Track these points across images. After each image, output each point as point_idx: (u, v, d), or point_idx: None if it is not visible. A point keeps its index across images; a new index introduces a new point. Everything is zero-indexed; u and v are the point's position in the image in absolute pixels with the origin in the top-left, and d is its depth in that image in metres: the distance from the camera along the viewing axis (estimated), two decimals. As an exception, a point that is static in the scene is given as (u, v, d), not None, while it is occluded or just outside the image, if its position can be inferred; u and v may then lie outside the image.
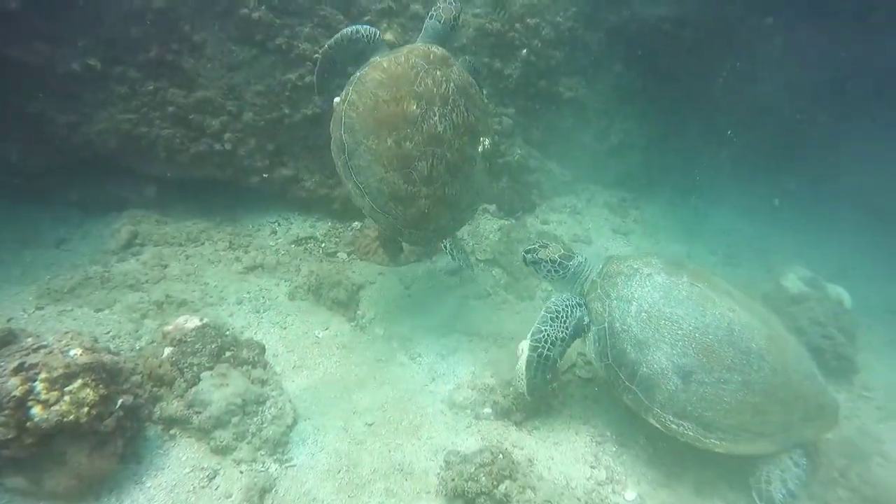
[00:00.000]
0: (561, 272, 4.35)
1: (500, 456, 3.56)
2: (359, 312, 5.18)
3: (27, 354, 3.09)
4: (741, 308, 3.85)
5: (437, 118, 4.01)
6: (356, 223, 6.26)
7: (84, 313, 4.64)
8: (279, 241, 5.92)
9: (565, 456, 4.02)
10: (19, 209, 5.66)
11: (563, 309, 4.07)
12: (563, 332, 3.99)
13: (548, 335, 3.97)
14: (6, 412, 2.87)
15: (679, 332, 3.75)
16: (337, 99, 4.31)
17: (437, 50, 4.24)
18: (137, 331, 4.56)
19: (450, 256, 4.64)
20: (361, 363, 4.60)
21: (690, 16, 7.25)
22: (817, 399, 3.90)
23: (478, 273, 5.85)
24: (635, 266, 4.09)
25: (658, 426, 3.73)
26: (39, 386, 2.96)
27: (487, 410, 4.25)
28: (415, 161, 4.02)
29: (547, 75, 7.08)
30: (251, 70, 5.62)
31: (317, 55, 5.67)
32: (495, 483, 3.46)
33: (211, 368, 3.85)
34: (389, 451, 3.86)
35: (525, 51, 6.71)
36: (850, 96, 7.48)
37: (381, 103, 3.98)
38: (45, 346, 3.18)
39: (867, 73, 7.44)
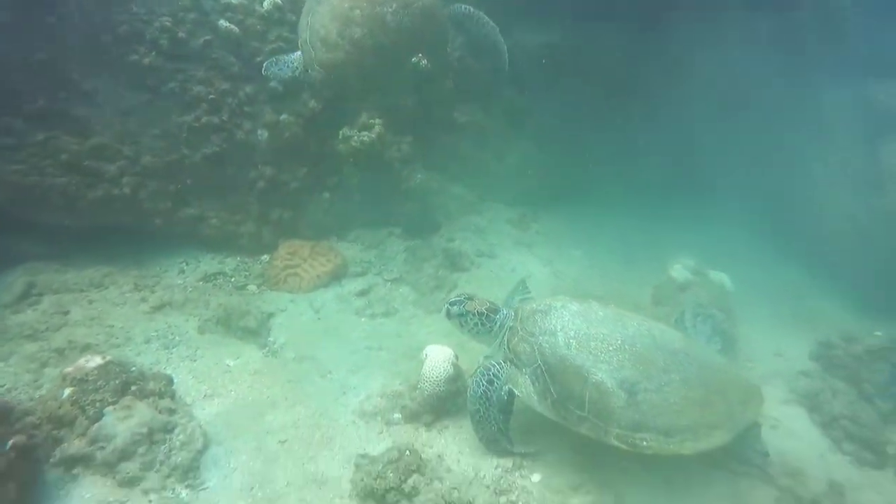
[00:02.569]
0: (488, 325, 4.34)
1: (407, 452, 3.74)
2: (270, 339, 5.28)
3: None
4: (647, 319, 4.18)
5: (391, 11, 5.03)
6: (265, 256, 6.38)
7: (-27, 369, 4.50)
8: (187, 279, 5.94)
9: (474, 450, 4.22)
10: None
11: (486, 388, 4.04)
12: (491, 412, 4.02)
13: (480, 413, 4.04)
14: None
15: (610, 348, 3.83)
16: None
17: None
18: (37, 381, 4.46)
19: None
20: (273, 385, 4.69)
21: (564, 41, 7.94)
22: (741, 382, 4.14)
23: (386, 292, 6.08)
24: (547, 303, 4.23)
25: (621, 445, 3.69)
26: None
27: (397, 416, 4.43)
28: (354, 25, 5.00)
29: (442, 104, 7.52)
30: (146, 114, 5.73)
31: (212, 96, 5.88)
32: (403, 478, 3.63)
33: (115, 403, 3.85)
34: (303, 465, 3.97)
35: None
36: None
37: None
38: (-73, 393, 3.14)
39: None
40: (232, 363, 4.91)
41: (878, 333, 5.61)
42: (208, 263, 6.22)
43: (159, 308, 5.43)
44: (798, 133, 8.54)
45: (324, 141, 6.60)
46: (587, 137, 8.54)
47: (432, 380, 4.37)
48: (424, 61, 5.30)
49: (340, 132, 6.62)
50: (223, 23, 5.84)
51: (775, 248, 8.60)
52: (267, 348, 5.17)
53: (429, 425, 4.39)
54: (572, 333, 3.94)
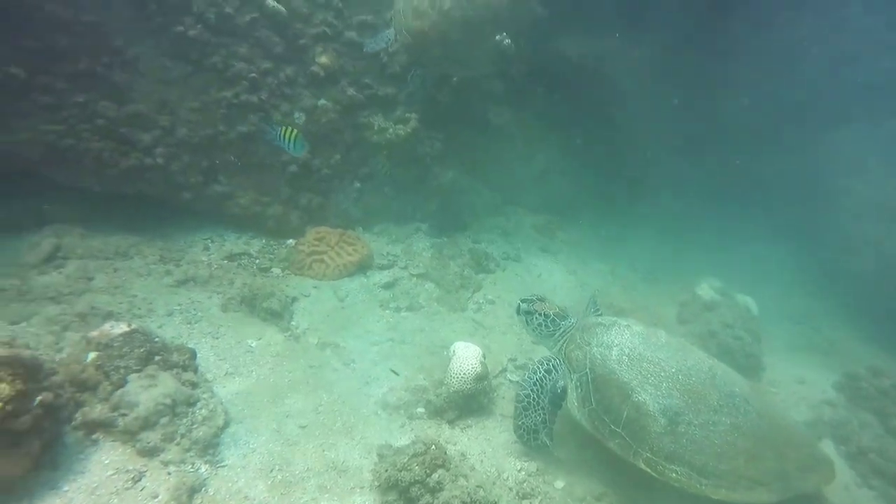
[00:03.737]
0: (552, 328, 4.36)
1: (433, 447, 3.63)
2: (293, 323, 5.20)
3: (-62, 349, 2.96)
4: (716, 359, 4.03)
5: None
6: (290, 241, 6.31)
7: (-4, 326, 4.42)
8: (212, 256, 5.87)
9: (497, 451, 4.15)
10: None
11: (543, 375, 4.05)
12: (542, 400, 3.99)
13: (530, 399, 4.01)
14: (-88, 406, 2.73)
15: (662, 374, 3.71)
16: None
17: None
18: (58, 343, 4.37)
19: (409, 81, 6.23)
20: (295, 370, 4.60)
21: (608, 54, 7.89)
22: (809, 449, 3.89)
23: (411, 286, 6.00)
24: (613, 319, 4.18)
25: (648, 470, 3.58)
26: (-50, 379, 2.83)
27: (421, 410, 4.34)
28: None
29: (476, 104, 7.47)
30: (186, 86, 5.68)
31: (253, 74, 5.83)
32: (428, 472, 3.52)
33: (139, 371, 3.77)
34: (323, 451, 3.88)
35: (455, 79, 7.07)
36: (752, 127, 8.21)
37: None
38: (-42, 341, 3.06)
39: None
40: (254, 344, 4.83)
41: (908, 370, 5.52)
42: (233, 243, 6.15)
43: (183, 282, 5.36)
44: (828, 162, 8.47)
45: (359, 130, 6.55)
46: (615, 150, 8.50)
47: (460, 376, 4.29)
48: (508, 41, 5.55)
49: (376, 123, 6.58)
50: (270, 2, 5.80)
51: (797, 275, 8.51)
52: (289, 332, 5.09)
53: (452, 423, 4.31)
54: (627, 351, 3.86)
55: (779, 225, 8.28)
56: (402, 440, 4.03)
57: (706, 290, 6.50)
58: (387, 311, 5.62)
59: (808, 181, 8.44)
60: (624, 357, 3.83)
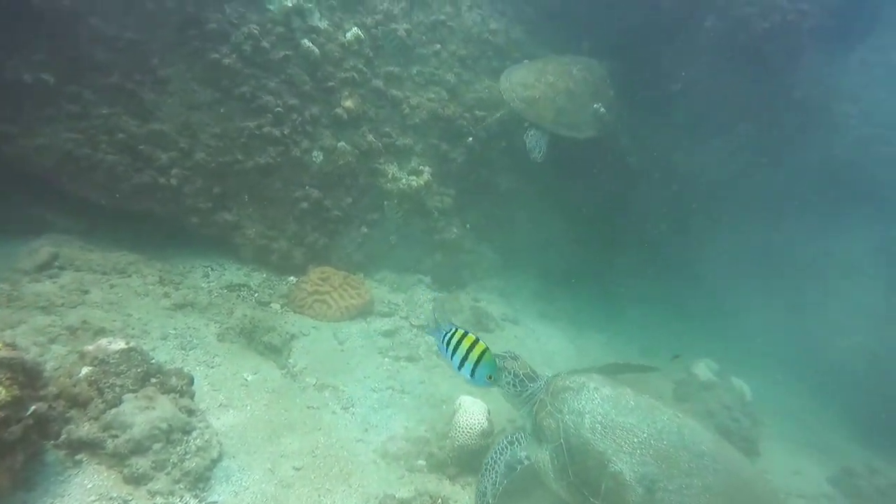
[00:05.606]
0: (519, 388, 4.31)
1: (440, 501, 3.48)
2: (290, 361, 5.02)
3: (-63, 343, 2.77)
4: (682, 413, 4.03)
5: (577, 68, 7.10)
6: (292, 278, 6.19)
7: (-21, 332, 4.17)
8: (212, 284, 5.71)
9: (496, 513, 3.96)
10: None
11: (505, 445, 4.10)
12: (498, 465, 4.01)
13: (488, 465, 4.03)
14: None
15: (635, 440, 3.71)
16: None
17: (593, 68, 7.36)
18: (43, 355, 4.12)
19: (526, 139, 6.92)
20: (291, 408, 4.40)
21: (617, 133, 8.16)
22: (774, 499, 3.94)
23: (411, 337, 5.88)
24: (581, 381, 4.16)
25: None
26: (-54, 376, 2.63)
27: (421, 462, 4.18)
28: (548, 75, 6.94)
29: (488, 165, 7.60)
30: (211, 112, 5.68)
31: (278, 108, 5.87)
32: (433, 529, 3.35)
33: (135, 391, 3.56)
34: (319, 496, 3.67)
35: (471, 139, 7.22)
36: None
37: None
38: (-42, 337, 2.86)
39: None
40: (250, 378, 4.63)
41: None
42: (234, 273, 6.00)
43: (181, 307, 5.16)
44: (821, 265, 8.71)
45: (373, 176, 6.59)
46: (615, 225, 8.64)
47: (466, 430, 4.15)
48: (603, 110, 6.98)
49: (391, 171, 6.63)
50: (306, 42, 5.93)
51: (786, 368, 8.55)
52: (286, 370, 4.90)
53: (452, 478, 4.15)
54: (599, 418, 3.86)
55: (772, 316, 8.36)
56: (401, 492, 3.84)
57: (703, 369, 6.49)
58: (386, 359, 5.47)
59: (802, 279, 8.62)
60: (597, 425, 3.83)
